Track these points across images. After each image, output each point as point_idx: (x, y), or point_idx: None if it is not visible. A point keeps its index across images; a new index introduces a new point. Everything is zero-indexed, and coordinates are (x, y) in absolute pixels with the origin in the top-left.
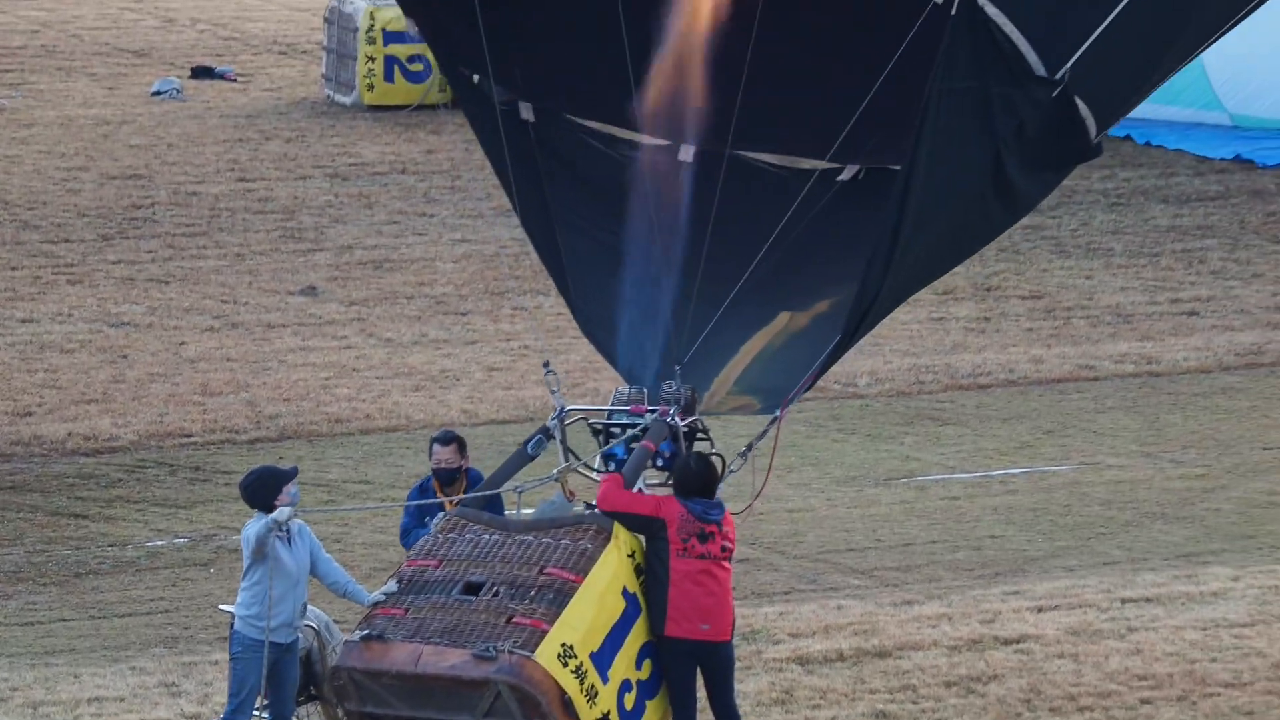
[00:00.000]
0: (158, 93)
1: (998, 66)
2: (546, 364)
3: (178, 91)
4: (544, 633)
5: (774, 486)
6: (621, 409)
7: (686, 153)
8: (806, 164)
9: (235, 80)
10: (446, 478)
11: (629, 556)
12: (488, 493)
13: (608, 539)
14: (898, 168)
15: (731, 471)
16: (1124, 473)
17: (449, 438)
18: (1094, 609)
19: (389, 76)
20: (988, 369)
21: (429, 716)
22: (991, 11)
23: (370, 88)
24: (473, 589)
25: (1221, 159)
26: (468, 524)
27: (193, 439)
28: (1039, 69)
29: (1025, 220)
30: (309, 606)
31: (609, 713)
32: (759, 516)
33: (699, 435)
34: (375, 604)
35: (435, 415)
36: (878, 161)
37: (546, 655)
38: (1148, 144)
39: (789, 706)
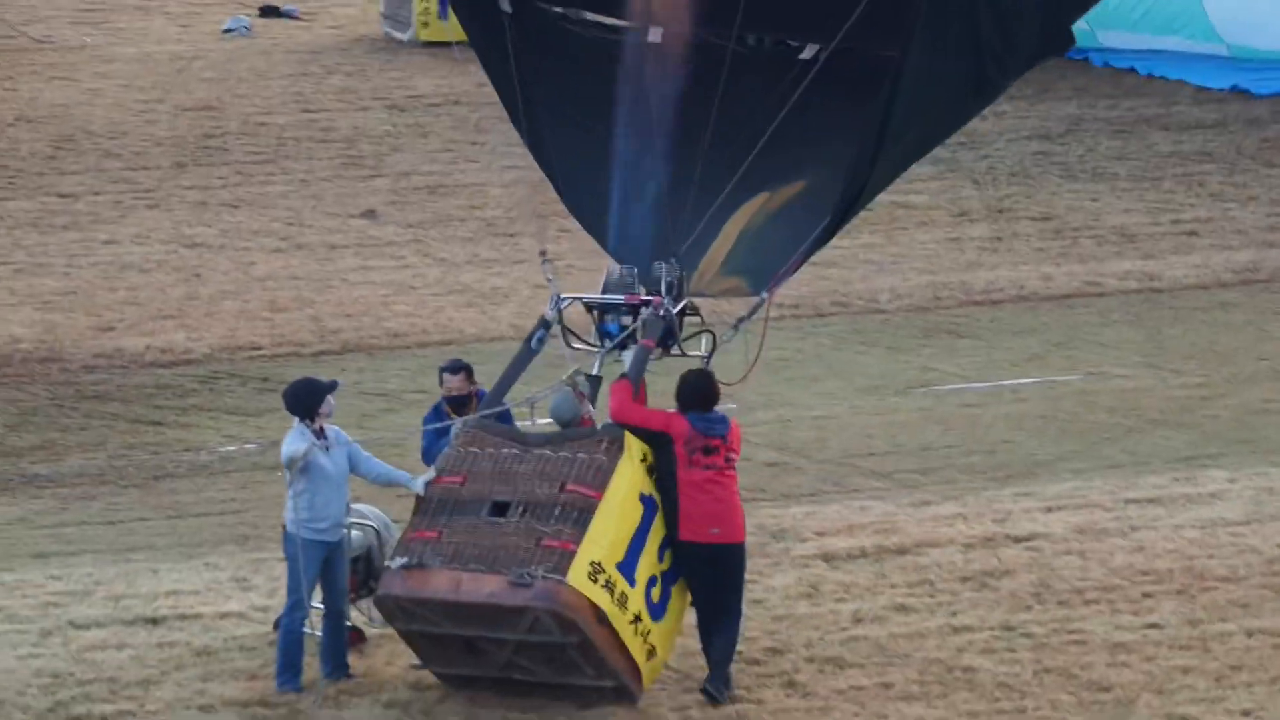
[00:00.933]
0: (228, 30)
1: None
2: (543, 252)
3: (247, 29)
4: (572, 554)
5: (801, 395)
6: (615, 299)
7: (655, 34)
8: (768, 40)
9: (300, 19)
10: (458, 403)
11: (641, 461)
12: (499, 409)
13: (620, 449)
14: (851, 47)
15: (725, 340)
16: (1128, 382)
17: (457, 367)
18: (1099, 509)
19: (443, 14)
20: (1000, 285)
21: (473, 633)
22: None
23: (425, 25)
24: (500, 509)
25: (1219, 89)
26: (486, 436)
27: (262, 352)
28: None
29: (1036, 146)
30: (370, 507)
31: (639, 612)
32: (786, 423)
33: (688, 313)
34: (416, 512)
35: (486, 329)
36: (836, 42)
37: (577, 576)
38: (1150, 75)
39: (815, 599)
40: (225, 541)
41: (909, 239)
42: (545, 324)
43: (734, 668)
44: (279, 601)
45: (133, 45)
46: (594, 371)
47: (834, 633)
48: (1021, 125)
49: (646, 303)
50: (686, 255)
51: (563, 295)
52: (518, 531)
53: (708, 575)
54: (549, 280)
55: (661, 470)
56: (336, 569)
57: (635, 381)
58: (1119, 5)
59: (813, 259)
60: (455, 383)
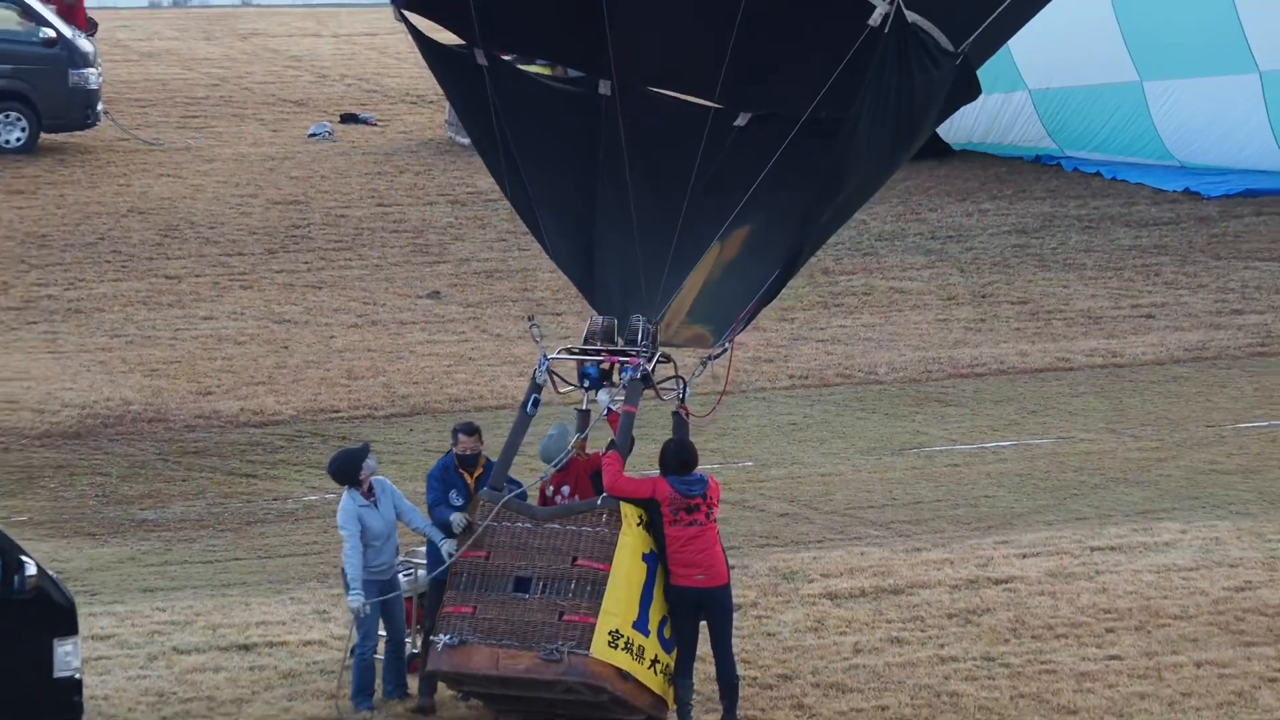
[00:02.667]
0: (313, 135)
1: (920, 54)
2: (530, 318)
3: (329, 134)
4: (592, 626)
5: (809, 454)
6: (593, 350)
7: (604, 87)
8: (707, 104)
9: (375, 125)
10: (469, 461)
11: (639, 525)
12: (517, 491)
13: (619, 519)
14: (779, 114)
15: (696, 376)
16: (1093, 445)
17: (472, 429)
18: (1068, 555)
19: None
20: (983, 361)
21: (515, 694)
22: (912, 18)
23: None
24: (523, 584)
25: (1173, 190)
26: (500, 511)
27: (340, 414)
28: (947, 45)
29: (1014, 240)
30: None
31: (656, 655)
32: (798, 480)
33: (661, 362)
34: (446, 587)
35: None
36: (763, 109)
37: (599, 647)
38: (1113, 179)
39: (821, 633)
40: (308, 579)
41: (904, 319)
42: (537, 387)
43: (749, 691)
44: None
45: (230, 147)
46: (582, 407)
47: (837, 662)
48: (1002, 221)
49: (625, 359)
50: (656, 307)
51: (547, 355)
52: (541, 608)
53: (695, 617)
54: (537, 342)
55: (656, 525)
56: (394, 604)
57: (623, 449)
58: (1084, 130)
59: (819, 336)
60: (470, 442)
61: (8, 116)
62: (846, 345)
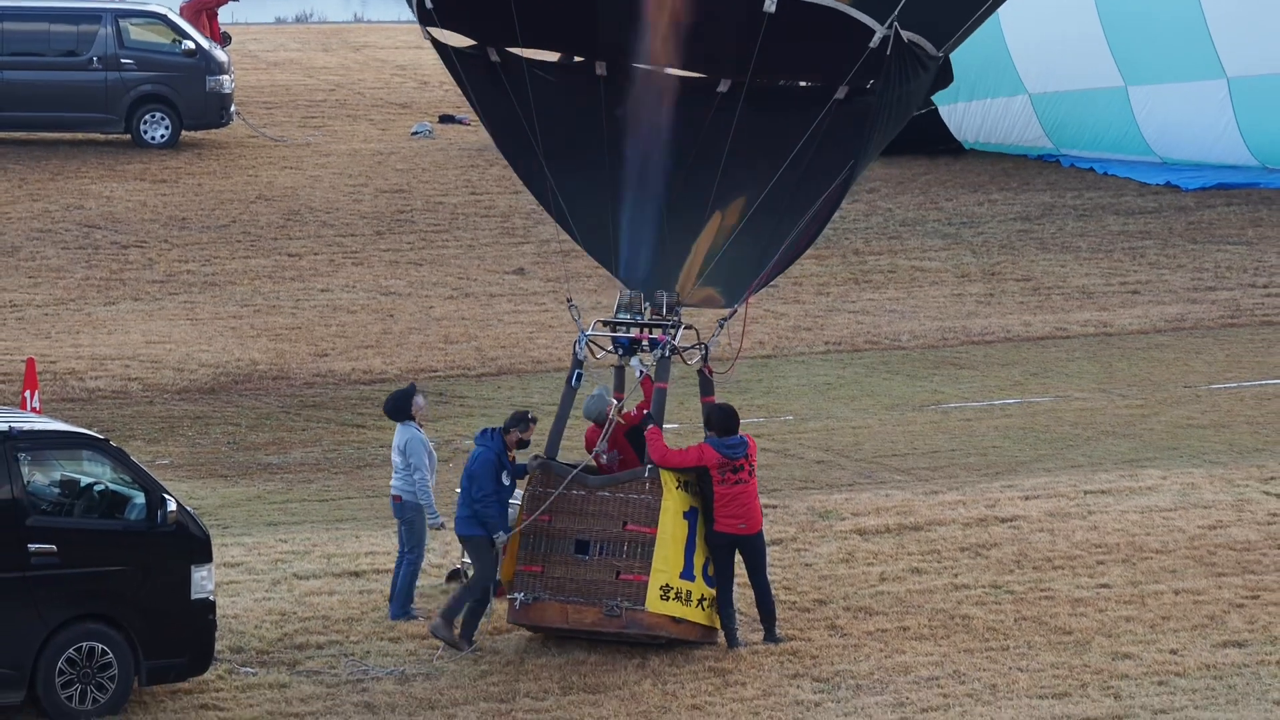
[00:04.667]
0: (415, 133)
1: (914, 64)
2: (569, 299)
3: (430, 132)
4: (645, 584)
5: (842, 410)
6: (627, 322)
7: (600, 68)
8: (690, 75)
9: (469, 124)
10: (524, 445)
11: (678, 488)
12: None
13: (660, 485)
14: (760, 80)
15: (715, 337)
16: (1086, 403)
17: (534, 420)
18: (1065, 498)
19: None
20: (992, 330)
21: (586, 636)
22: (907, 36)
23: None
24: (583, 546)
25: (1156, 184)
26: (556, 477)
27: (438, 373)
28: (933, 51)
29: (1019, 226)
30: None
31: (703, 594)
32: (832, 432)
33: (685, 327)
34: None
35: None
36: (740, 74)
37: (653, 601)
38: (1105, 173)
39: (851, 564)
40: None
41: (923, 294)
42: (579, 363)
43: (790, 613)
44: (452, 560)
45: (344, 144)
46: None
47: (865, 588)
48: (1009, 210)
49: (653, 339)
50: (666, 275)
51: (585, 332)
52: (600, 568)
53: (733, 555)
54: (575, 321)
55: (693, 485)
56: (421, 525)
57: (659, 420)
58: (1076, 129)
59: (850, 308)
60: (530, 433)
61: (154, 116)
62: (874, 316)
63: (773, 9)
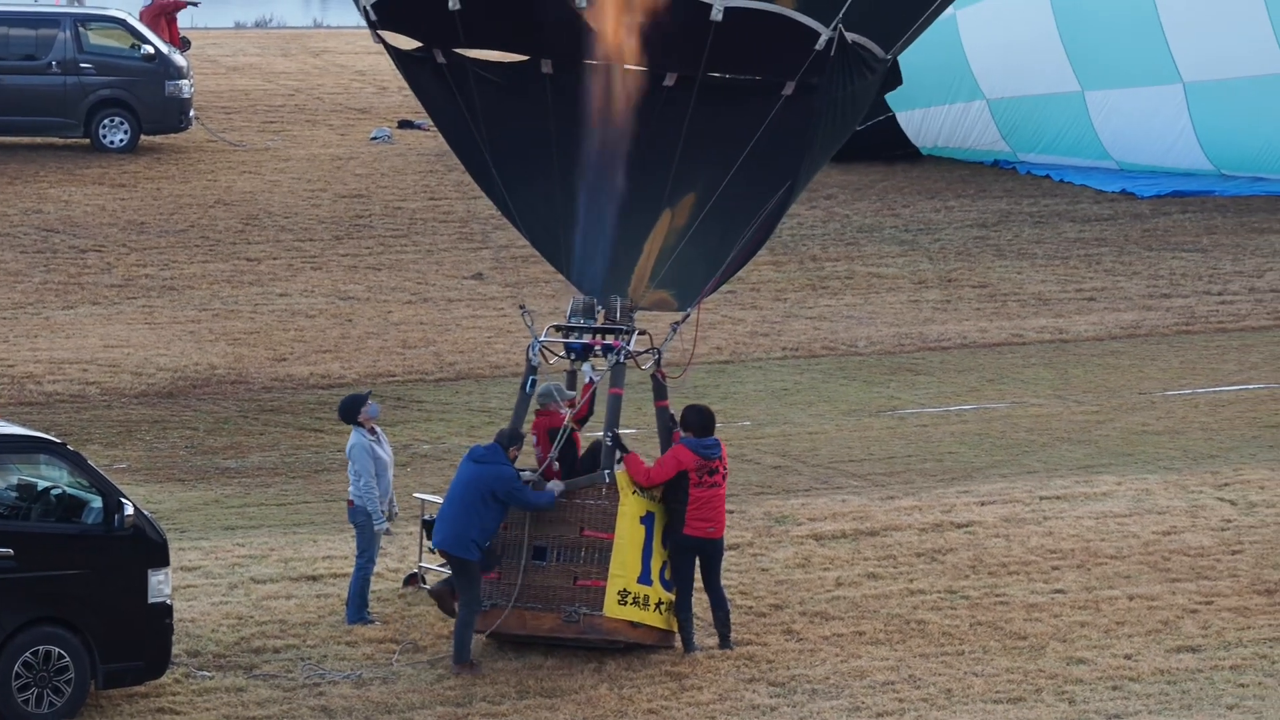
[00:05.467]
0: (374, 138)
1: (860, 66)
2: (522, 306)
3: (389, 137)
4: (602, 589)
5: (798, 415)
6: (582, 328)
7: (546, 65)
8: (637, 68)
9: (428, 130)
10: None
11: (635, 492)
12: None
13: (617, 491)
14: (710, 75)
15: (667, 342)
16: (1042, 409)
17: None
18: (1020, 503)
19: None
20: (948, 336)
21: (544, 642)
22: (851, 37)
23: None
24: (539, 552)
25: (1112, 191)
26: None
27: (396, 378)
28: (880, 53)
29: (976, 233)
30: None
31: (659, 598)
32: (789, 437)
33: (640, 333)
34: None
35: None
36: (688, 71)
37: (610, 606)
38: (1061, 180)
39: (807, 569)
40: None
41: (880, 300)
42: (533, 369)
43: (746, 618)
44: (409, 564)
45: (303, 149)
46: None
47: (821, 593)
48: (965, 216)
49: (607, 345)
50: (618, 276)
51: (538, 338)
52: (558, 573)
53: (693, 560)
54: (529, 327)
55: (675, 491)
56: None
57: (614, 426)
58: (1033, 134)
59: (808, 314)
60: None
61: (113, 121)
62: (831, 322)
63: (720, 18)
